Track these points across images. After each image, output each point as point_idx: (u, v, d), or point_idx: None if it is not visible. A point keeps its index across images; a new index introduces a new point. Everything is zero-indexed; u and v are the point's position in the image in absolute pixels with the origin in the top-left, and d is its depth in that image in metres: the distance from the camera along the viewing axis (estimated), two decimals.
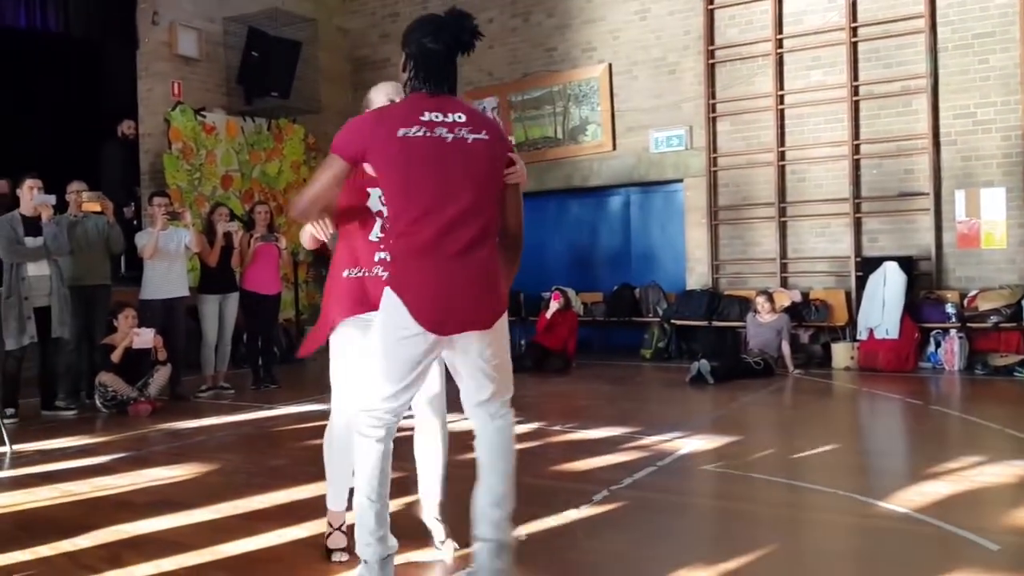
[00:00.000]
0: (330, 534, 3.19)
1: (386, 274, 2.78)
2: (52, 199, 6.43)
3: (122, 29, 9.99)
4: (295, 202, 2.79)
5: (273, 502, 3.94)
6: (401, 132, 2.56)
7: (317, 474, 4.42)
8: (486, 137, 2.65)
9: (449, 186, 2.57)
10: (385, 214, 2.84)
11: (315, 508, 3.81)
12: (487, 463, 2.81)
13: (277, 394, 7.51)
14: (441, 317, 2.57)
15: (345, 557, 3.09)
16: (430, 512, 3.26)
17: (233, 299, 7.63)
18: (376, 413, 2.68)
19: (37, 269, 6.32)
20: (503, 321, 2.73)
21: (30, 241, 6.29)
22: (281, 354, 9.83)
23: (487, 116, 2.79)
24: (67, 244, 6.53)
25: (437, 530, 3.24)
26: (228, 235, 7.53)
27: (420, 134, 2.56)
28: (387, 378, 2.64)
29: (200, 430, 6.00)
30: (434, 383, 3.17)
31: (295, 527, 3.52)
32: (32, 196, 6.35)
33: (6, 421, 5.65)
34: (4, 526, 3.71)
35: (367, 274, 2.93)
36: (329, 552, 3.15)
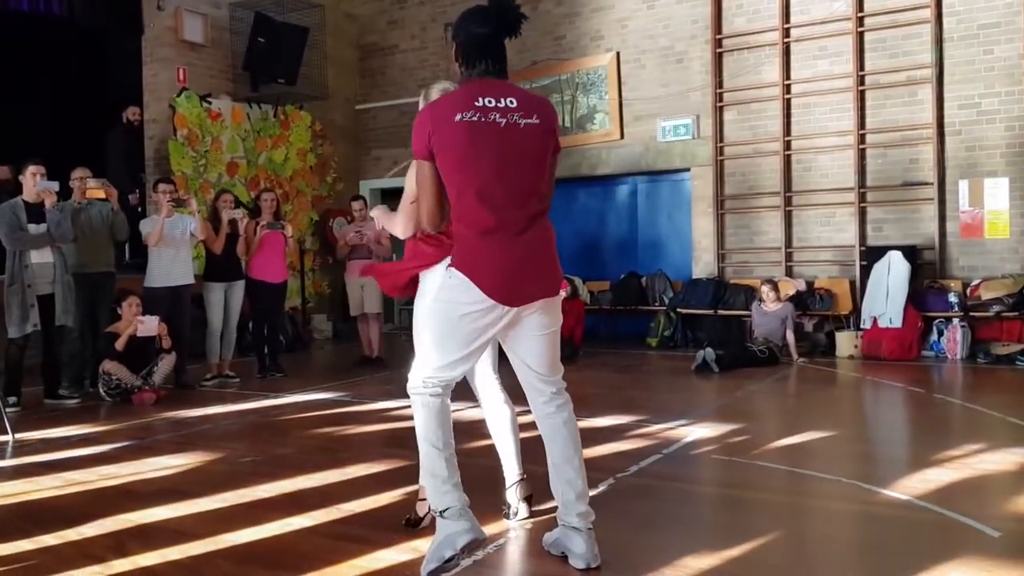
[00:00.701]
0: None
1: None
2: (55, 185, 6.36)
3: (127, 14, 9.95)
4: (421, 221, 2.85)
5: (279, 491, 3.93)
6: (457, 117, 2.68)
7: (323, 463, 4.45)
8: (537, 121, 2.76)
9: (505, 169, 2.70)
10: None
11: (322, 497, 3.82)
12: (564, 458, 2.94)
13: (283, 383, 7.50)
14: (510, 290, 2.73)
15: None
16: (512, 491, 3.41)
17: (239, 287, 7.60)
18: (434, 380, 2.84)
19: (40, 256, 6.28)
20: (559, 296, 2.92)
21: (33, 228, 6.26)
22: (287, 342, 9.83)
23: (539, 99, 2.87)
24: (71, 231, 6.46)
25: (519, 509, 3.39)
26: (233, 222, 7.49)
27: (475, 119, 2.68)
28: (447, 350, 2.79)
29: (205, 419, 5.99)
30: (488, 366, 3.47)
31: (301, 516, 3.51)
32: (35, 182, 6.28)
33: (9, 410, 5.63)
34: (8, 516, 3.70)
35: None
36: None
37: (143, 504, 3.70)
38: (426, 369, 2.84)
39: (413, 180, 2.90)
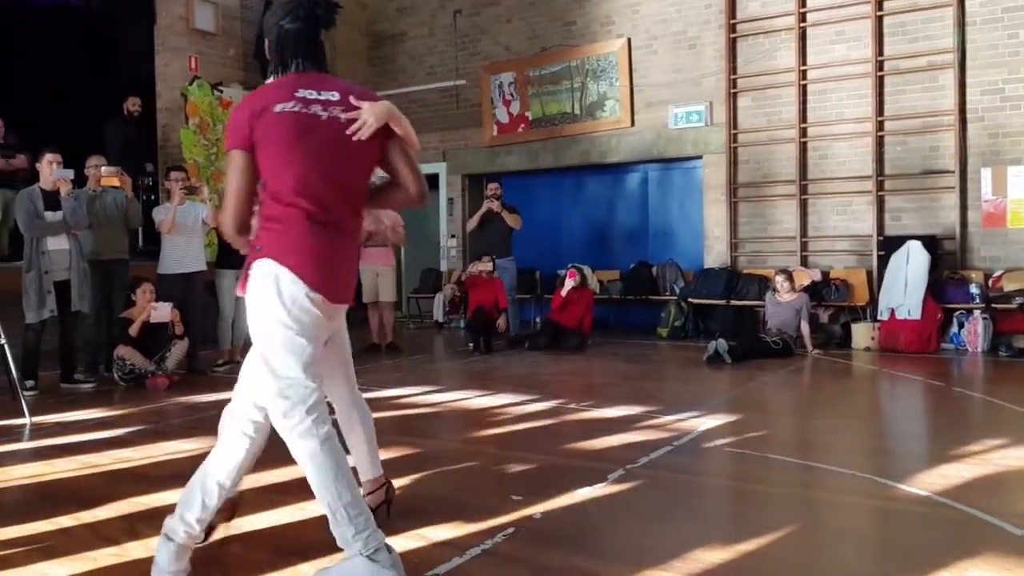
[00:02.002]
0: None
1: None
2: (71, 173, 6.47)
3: (139, 3, 9.99)
4: (225, 222, 2.61)
5: (290, 476, 3.95)
6: (277, 108, 2.56)
7: None
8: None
9: (323, 162, 2.58)
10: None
11: None
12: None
13: None
14: (334, 285, 2.62)
15: None
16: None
17: None
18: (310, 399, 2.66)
19: (57, 243, 6.38)
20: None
21: (49, 215, 6.35)
22: None
23: (364, 92, 2.74)
24: (86, 218, 6.58)
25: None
26: None
27: (296, 109, 2.57)
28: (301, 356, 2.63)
29: (217, 404, 6.01)
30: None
31: (312, 502, 3.53)
32: (51, 171, 6.39)
33: (26, 393, 5.72)
34: (26, 496, 3.77)
35: None
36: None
37: (156, 487, 3.74)
38: (279, 389, 2.59)
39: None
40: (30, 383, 6.26)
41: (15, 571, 2.85)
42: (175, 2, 10.14)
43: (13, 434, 5.03)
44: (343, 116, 2.63)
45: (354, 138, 2.63)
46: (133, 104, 9.90)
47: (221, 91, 10.34)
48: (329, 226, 2.60)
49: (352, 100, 2.65)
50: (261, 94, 2.64)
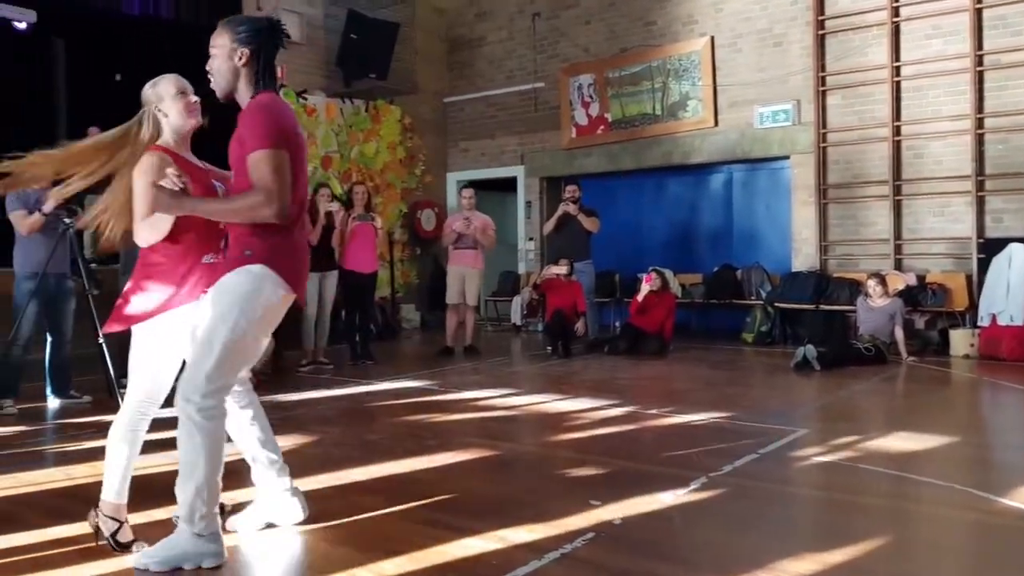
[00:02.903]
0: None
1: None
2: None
3: (228, 14, 10.33)
4: (274, 203, 2.81)
5: (370, 475, 4.03)
6: (299, 128, 3.01)
7: (413, 449, 4.55)
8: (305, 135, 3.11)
9: (303, 179, 3.01)
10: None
11: (412, 483, 3.91)
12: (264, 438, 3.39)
13: (373, 370, 7.69)
14: (302, 282, 3.04)
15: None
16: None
17: (332, 277, 7.86)
18: (220, 394, 2.96)
19: None
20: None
21: None
22: (377, 331, 10.06)
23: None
24: None
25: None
26: (329, 215, 7.73)
27: (301, 132, 3.03)
28: (248, 353, 3.02)
29: (301, 403, 6.19)
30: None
31: (391, 501, 3.59)
32: None
33: (122, 391, 5.90)
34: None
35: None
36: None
37: (243, 483, 3.83)
38: (213, 382, 2.86)
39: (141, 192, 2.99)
40: (126, 381, 6.47)
41: (120, 559, 2.97)
42: (262, 13, 10.45)
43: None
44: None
45: None
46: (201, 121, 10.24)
47: (306, 99, 10.62)
48: (298, 234, 3.03)
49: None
50: (288, 112, 2.99)
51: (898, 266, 9.28)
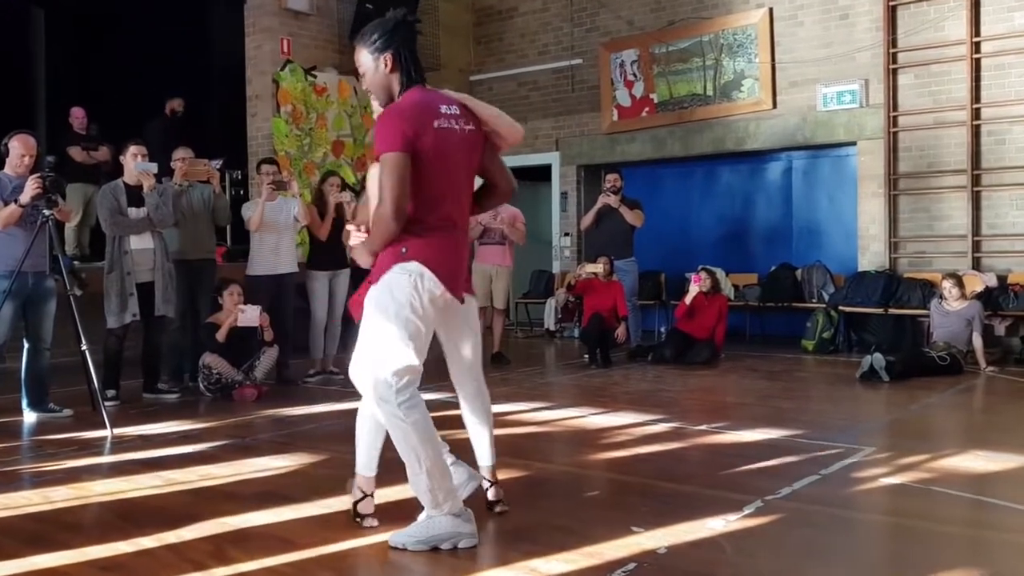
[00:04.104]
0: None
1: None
2: (154, 167, 6.64)
3: None
4: (387, 205, 3.18)
5: (384, 499, 4.02)
6: (435, 124, 3.24)
7: None
8: (474, 127, 3.38)
9: (460, 174, 3.35)
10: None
11: None
12: (487, 427, 3.77)
13: None
14: (458, 283, 3.36)
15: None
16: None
17: (344, 276, 7.84)
18: (404, 380, 3.25)
19: (140, 242, 6.60)
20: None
21: (133, 212, 6.58)
22: None
23: (466, 103, 3.41)
24: (171, 215, 6.76)
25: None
26: (340, 207, 7.72)
27: (447, 126, 3.27)
28: (407, 344, 3.24)
29: (308, 418, 6.22)
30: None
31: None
32: (136, 164, 6.60)
33: (107, 404, 5.98)
34: (106, 515, 3.94)
35: None
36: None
37: (244, 508, 3.87)
38: (389, 369, 3.20)
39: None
40: (111, 392, 6.53)
41: None
42: None
43: (93, 447, 5.27)
44: (466, 129, 3.34)
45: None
46: (177, 104, 10.36)
47: (315, 76, 10.66)
48: (459, 231, 3.40)
49: (467, 113, 3.37)
50: (417, 106, 3.25)
51: (976, 265, 9.22)
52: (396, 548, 3.28)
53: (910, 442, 5.18)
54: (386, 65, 3.32)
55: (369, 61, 3.34)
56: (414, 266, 3.22)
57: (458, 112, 3.32)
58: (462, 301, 3.44)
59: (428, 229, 3.25)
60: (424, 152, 3.19)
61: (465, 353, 3.62)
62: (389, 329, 3.21)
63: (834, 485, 4.27)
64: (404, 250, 3.23)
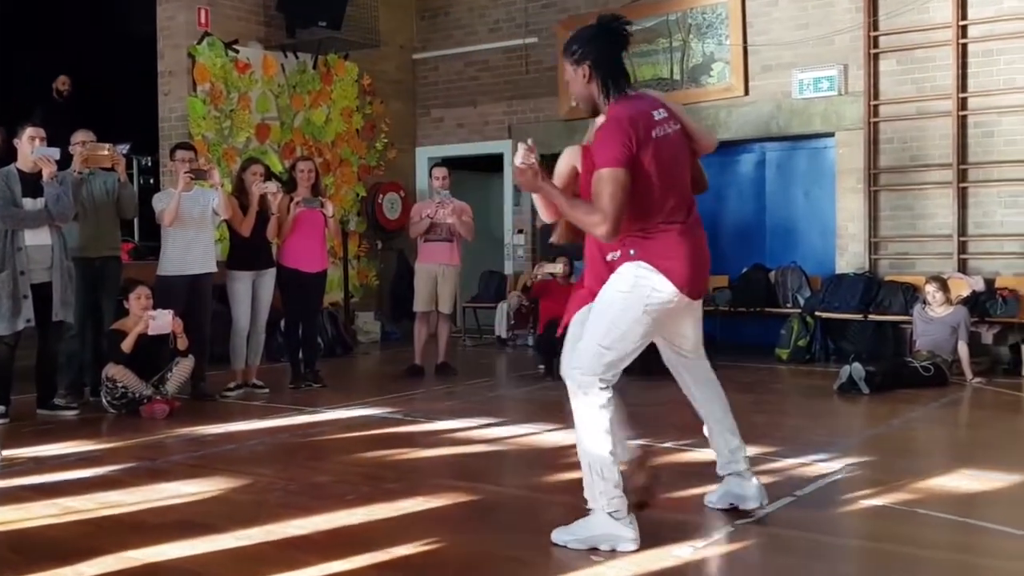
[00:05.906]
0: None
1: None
2: (56, 153, 6.51)
3: None
4: (606, 224, 3.52)
5: (314, 528, 4.00)
6: (654, 133, 3.58)
7: (369, 494, 4.51)
8: (679, 127, 3.73)
9: (682, 174, 3.75)
10: None
11: (366, 537, 3.87)
12: (724, 411, 4.12)
13: (320, 395, 7.64)
14: (696, 284, 3.83)
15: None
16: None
17: (269, 277, 7.75)
18: (610, 376, 3.73)
19: (36, 238, 6.45)
20: None
21: (29, 203, 6.44)
22: (326, 346, 10.00)
23: (667, 102, 3.77)
24: (72, 207, 6.61)
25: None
26: (264, 199, 7.63)
27: (662, 134, 3.61)
28: (629, 342, 3.70)
29: (227, 437, 6.14)
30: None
31: (340, 560, 3.56)
32: (33, 149, 6.46)
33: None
34: None
35: None
36: None
37: (153, 539, 3.81)
38: (603, 362, 3.65)
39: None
40: (1, 409, 6.42)
41: None
42: None
43: None
44: (673, 130, 3.68)
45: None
46: (62, 83, 10.20)
47: (236, 51, 10.52)
48: (689, 231, 3.82)
49: (672, 113, 3.75)
50: (634, 117, 3.56)
51: (962, 268, 9.38)
52: (557, 545, 3.60)
53: (892, 460, 5.26)
54: (585, 76, 3.65)
55: (570, 71, 3.70)
56: (648, 269, 3.63)
57: (667, 115, 3.66)
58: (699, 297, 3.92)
59: (661, 231, 3.66)
60: (647, 163, 3.53)
61: (687, 333, 4.08)
62: (620, 325, 3.62)
63: (810, 507, 4.32)
64: (633, 251, 3.66)
